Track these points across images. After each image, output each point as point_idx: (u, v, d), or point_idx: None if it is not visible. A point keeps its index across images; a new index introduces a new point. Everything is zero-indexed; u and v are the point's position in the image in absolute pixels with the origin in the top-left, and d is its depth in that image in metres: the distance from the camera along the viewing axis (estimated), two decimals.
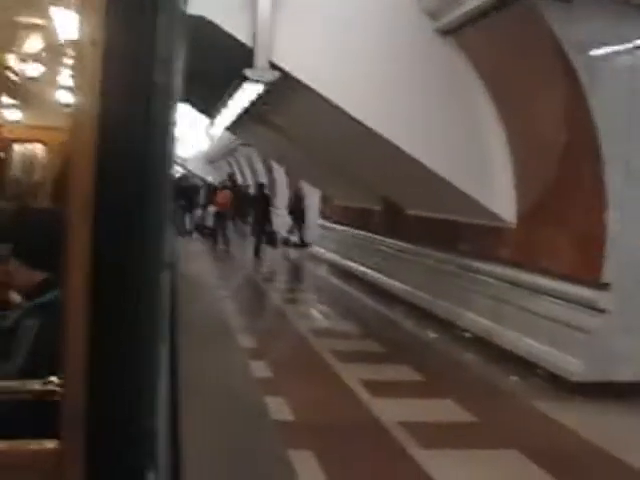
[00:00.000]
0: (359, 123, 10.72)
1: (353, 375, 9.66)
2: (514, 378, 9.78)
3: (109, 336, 1.62)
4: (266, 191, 27.08)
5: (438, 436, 7.58)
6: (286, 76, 10.34)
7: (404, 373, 9.97)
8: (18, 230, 3.96)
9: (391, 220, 16.52)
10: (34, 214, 4.41)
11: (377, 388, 9.10)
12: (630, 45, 9.19)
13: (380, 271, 16.86)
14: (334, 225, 22.14)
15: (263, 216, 25.54)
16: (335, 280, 19.50)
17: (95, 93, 1.34)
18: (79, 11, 1.30)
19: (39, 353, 3.51)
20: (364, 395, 8.84)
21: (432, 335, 12.38)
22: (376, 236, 17.65)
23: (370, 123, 10.69)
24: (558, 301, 9.66)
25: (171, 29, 1.36)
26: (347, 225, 20.56)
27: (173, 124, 1.58)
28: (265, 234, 25.73)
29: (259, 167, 34.64)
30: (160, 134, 1.49)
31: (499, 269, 11.32)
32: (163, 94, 1.48)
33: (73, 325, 1.65)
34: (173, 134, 1.52)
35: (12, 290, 4.09)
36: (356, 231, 19.54)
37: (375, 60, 10.57)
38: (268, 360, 10.21)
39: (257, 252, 24.30)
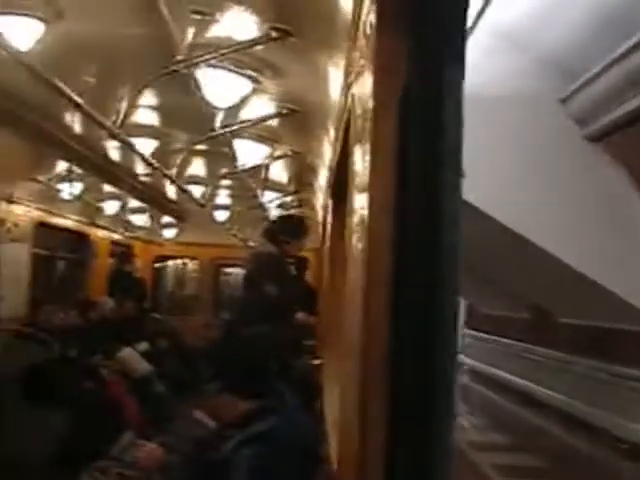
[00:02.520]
0: (508, 231, 10.69)
1: None
2: None
3: None
4: None
5: None
6: None
7: None
8: (224, 358, 4.11)
9: (539, 327, 16.22)
10: (240, 340, 4.58)
11: None
12: None
13: (529, 379, 16.48)
14: (479, 334, 21.83)
15: None
16: (481, 388, 19.13)
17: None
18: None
19: None
20: None
21: (588, 446, 11.98)
22: (523, 344, 17.30)
23: (521, 230, 10.65)
24: None
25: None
26: (492, 333, 20.25)
27: (458, 283, 1.75)
28: None
29: None
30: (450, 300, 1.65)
31: None
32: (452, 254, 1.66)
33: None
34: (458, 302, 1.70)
35: (220, 422, 4.22)
36: (502, 339, 19.21)
37: (525, 169, 10.58)
38: None
39: None
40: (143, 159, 6.31)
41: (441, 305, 1.77)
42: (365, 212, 2.28)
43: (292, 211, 11.56)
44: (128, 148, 5.87)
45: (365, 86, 2.60)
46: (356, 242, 2.66)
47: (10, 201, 9.12)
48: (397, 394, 1.87)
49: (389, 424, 1.94)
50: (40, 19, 4.31)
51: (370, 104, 2.28)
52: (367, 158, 2.27)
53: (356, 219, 2.75)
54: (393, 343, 1.90)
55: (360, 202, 2.60)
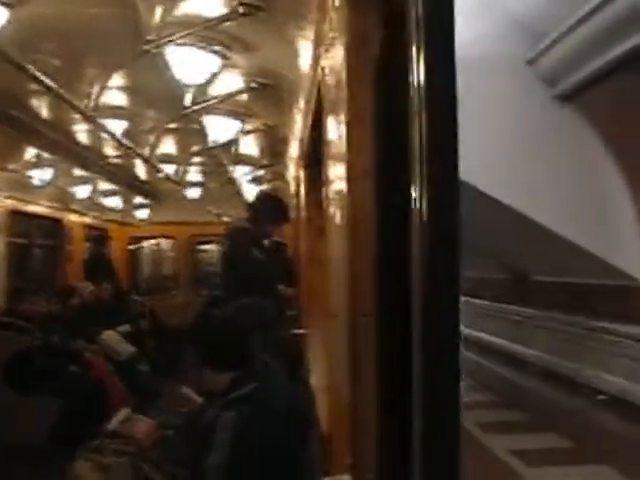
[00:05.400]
0: (481, 193, 10.76)
1: (501, 446, 9.53)
2: None
3: None
4: None
5: None
6: None
7: (552, 441, 9.78)
8: (204, 337, 4.27)
9: (516, 287, 16.36)
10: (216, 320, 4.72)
11: (529, 458, 8.96)
12: None
13: (508, 338, 16.61)
14: None
15: None
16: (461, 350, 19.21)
17: None
18: None
19: (242, 444, 3.71)
20: (517, 465, 8.72)
21: (568, 399, 12.14)
22: (501, 304, 17.43)
23: (494, 193, 10.72)
24: None
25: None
26: (468, 295, 20.33)
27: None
28: None
29: None
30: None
31: (632, 328, 11.08)
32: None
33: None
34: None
35: (205, 394, 4.40)
36: (478, 301, 19.29)
37: (494, 131, 10.62)
38: None
39: None
40: (116, 140, 6.28)
41: None
42: (343, 181, 2.31)
43: (267, 188, 11.57)
44: (100, 130, 5.84)
45: (337, 58, 2.63)
46: (335, 210, 2.70)
47: None
48: (385, 353, 1.93)
49: (379, 383, 2.00)
50: (3, 4, 4.28)
51: (344, 75, 2.31)
52: (343, 127, 2.30)
53: (333, 188, 2.78)
54: (379, 304, 1.95)
55: (337, 171, 2.63)
